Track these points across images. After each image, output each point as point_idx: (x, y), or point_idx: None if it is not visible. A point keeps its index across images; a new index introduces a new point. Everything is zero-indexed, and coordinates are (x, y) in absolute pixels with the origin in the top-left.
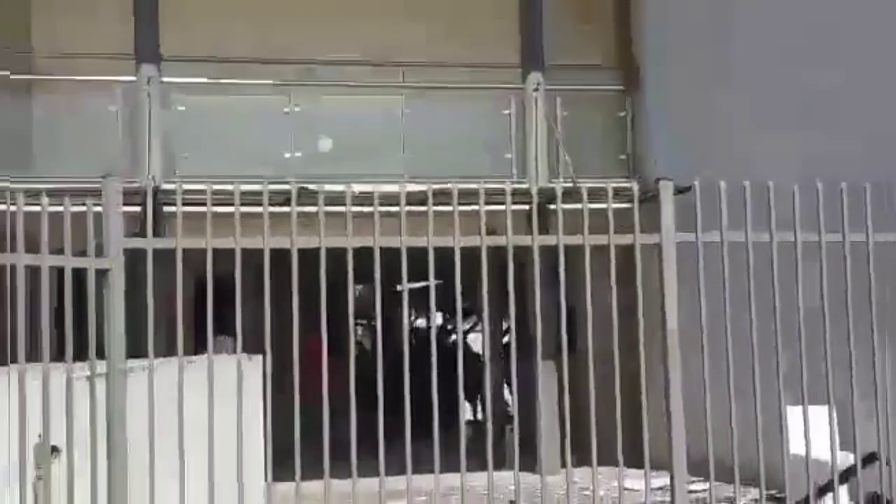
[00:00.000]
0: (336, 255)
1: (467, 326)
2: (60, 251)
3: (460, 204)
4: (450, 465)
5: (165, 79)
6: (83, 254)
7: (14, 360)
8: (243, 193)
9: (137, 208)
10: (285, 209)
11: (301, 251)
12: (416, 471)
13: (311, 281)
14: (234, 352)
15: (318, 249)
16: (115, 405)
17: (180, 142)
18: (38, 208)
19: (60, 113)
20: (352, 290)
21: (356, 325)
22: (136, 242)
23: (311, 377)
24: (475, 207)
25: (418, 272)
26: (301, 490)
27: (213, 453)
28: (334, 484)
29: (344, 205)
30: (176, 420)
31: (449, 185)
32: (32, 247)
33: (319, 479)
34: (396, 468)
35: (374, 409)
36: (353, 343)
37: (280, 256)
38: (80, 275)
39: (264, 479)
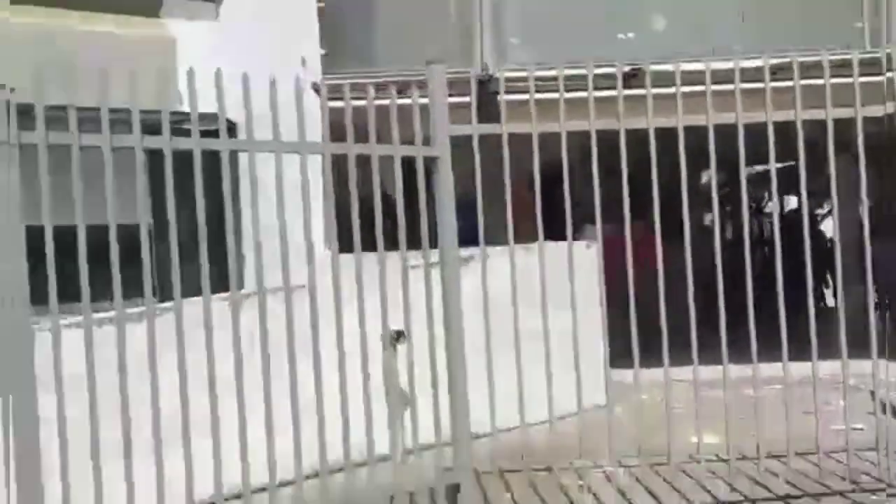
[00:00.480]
0: (670, 138)
1: (824, 210)
2: (408, 142)
3: (803, 78)
4: (799, 354)
5: None
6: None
7: (350, 250)
8: (573, 78)
9: (467, 98)
10: (612, 93)
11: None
12: (762, 359)
13: (641, 164)
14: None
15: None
16: (450, 292)
17: (511, 28)
18: (363, 103)
19: (399, 7)
20: (684, 172)
21: (703, 210)
22: (462, 129)
23: (645, 264)
24: (819, 81)
25: (761, 153)
26: (640, 377)
27: (548, 340)
28: (673, 372)
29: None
30: (508, 307)
31: (788, 59)
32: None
33: (657, 366)
34: (740, 356)
35: (716, 297)
36: (687, 228)
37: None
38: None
39: (603, 367)
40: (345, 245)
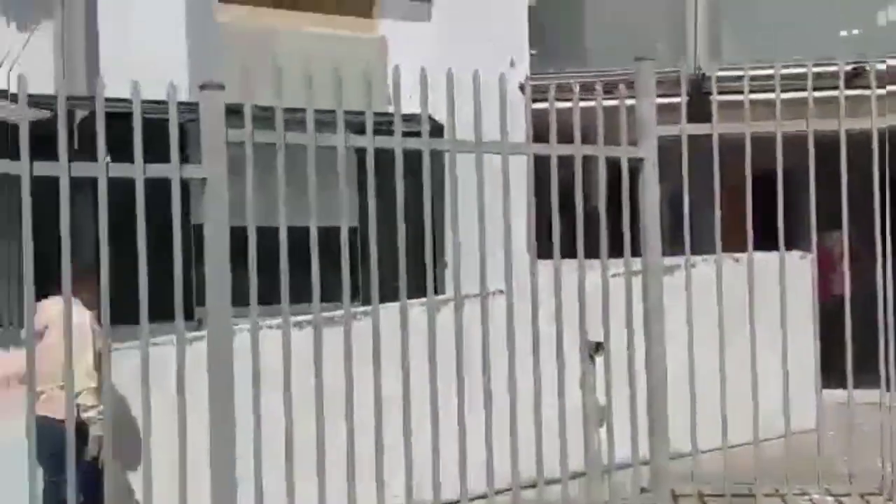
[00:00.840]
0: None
1: None
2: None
3: None
4: None
5: None
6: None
7: (550, 255)
8: (792, 77)
9: (677, 99)
10: (833, 93)
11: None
12: None
13: (862, 169)
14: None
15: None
16: (653, 302)
17: (726, 26)
18: (568, 104)
19: (611, 5)
20: None
21: None
22: (670, 129)
23: (863, 278)
24: None
25: None
26: (854, 399)
27: (755, 355)
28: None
29: None
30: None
31: None
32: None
33: (873, 387)
34: None
35: None
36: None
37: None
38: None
39: (814, 386)
40: (545, 250)
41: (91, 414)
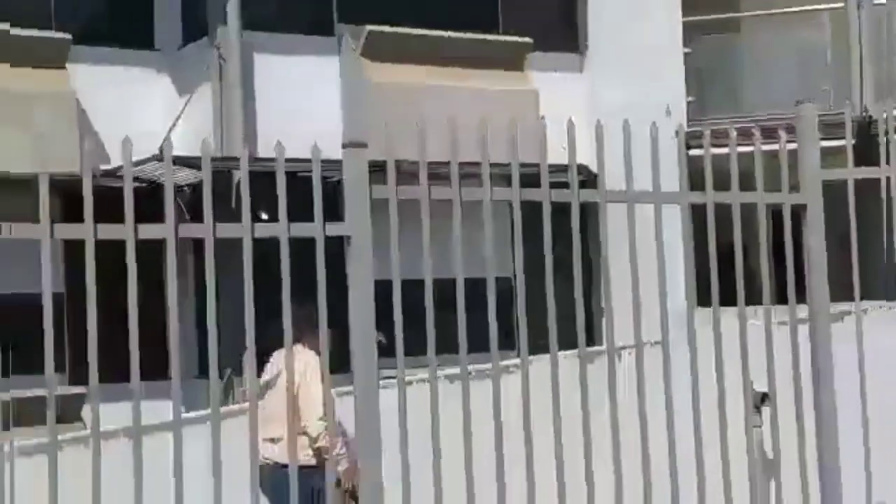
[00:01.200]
0: None
1: None
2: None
3: None
4: None
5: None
6: (794, 189)
7: (710, 304)
8: None
9: (841, 142)
10: None
11: None
12: None
13: None
14: None
15: None
16: (821, 351)
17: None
18: (724, 149)
19: (765, 48)
20: None
21: None
22: (834, 174)
23: None
24: None
25: None
26: None
27: None
28: None
29: None
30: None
31: None
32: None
33: None
34: None
35: None
36: None
37: None
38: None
39: None
40: (704, 299)
41: (337, 450)
